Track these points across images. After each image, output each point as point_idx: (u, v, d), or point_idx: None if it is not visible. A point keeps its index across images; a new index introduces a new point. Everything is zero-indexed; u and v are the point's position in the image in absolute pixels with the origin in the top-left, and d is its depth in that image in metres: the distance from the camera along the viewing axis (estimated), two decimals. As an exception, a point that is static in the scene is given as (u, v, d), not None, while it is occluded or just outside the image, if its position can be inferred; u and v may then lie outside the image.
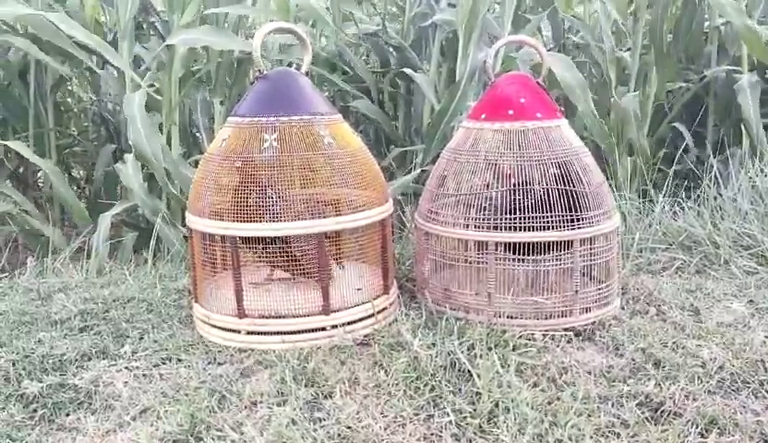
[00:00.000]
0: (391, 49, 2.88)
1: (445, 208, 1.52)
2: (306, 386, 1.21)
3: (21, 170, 2.75)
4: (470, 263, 1.48)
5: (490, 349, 1.32)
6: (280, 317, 1.40)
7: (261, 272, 1.53)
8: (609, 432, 1.07)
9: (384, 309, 1.48)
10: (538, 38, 2.98)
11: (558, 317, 1.45)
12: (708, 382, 1.21)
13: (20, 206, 2.29)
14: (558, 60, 2.28)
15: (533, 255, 1.43)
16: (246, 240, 1.40)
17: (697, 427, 1.08)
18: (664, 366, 1.26)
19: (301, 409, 1.14)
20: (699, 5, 2.62)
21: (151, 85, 2.33)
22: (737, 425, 1.08)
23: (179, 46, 2.19)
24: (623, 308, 1.56)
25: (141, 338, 1.45)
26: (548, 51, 2.64)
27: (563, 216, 1.42)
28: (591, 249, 1.45)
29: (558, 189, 1.44)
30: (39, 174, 2.86)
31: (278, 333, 1.39)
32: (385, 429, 1.08)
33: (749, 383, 1.22)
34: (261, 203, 1.36)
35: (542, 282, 1.45)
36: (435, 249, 1.53)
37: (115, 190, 2.76)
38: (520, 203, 1.43)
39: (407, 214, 2.23)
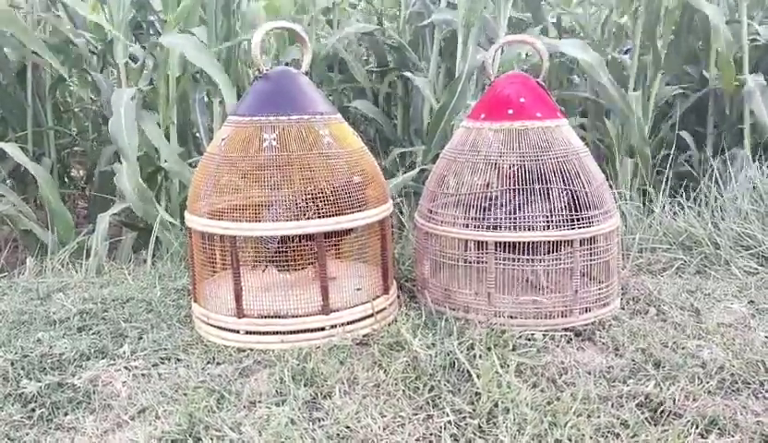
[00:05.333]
0: (389, 48, 2.87)
1: (445, 207, 1.52)
2: (305, 386, 1.21)
3: (22, 169, 2.74)
4: (470, 263, 1.47)
5: (490, 349, 1.31)
6: (279, 317, 1.40)
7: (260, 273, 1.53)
8: (609, 432, 1.06)
9: (383, 309, 1.48)
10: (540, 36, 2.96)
11: (558, 317, 1.44)
12: (708, 383, 1.21)
13: (18, 207, 2.28)
14: (572, 44, 2.33)
15: (533, 255, 1.43)
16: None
17: (697, 428, 1.07)
18: (664, 367, 1.26)
19: (300, 409, 1.14)
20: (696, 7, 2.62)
21: (149, 83, 2.32)
22: (737, 425, 1.08)
23: (169, 47, 2.18)
24: (623, 308, 1.56)
25: (140, 337, 1.45)
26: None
27: (563, 216, 1.42)
28: (591, 249, 1.45)
29: (557, 189, 1.44)
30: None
31: (277, 333, 1.39)
32: (384, 429, 1.08)
33: (749, 383, 1.21)
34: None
35: (542, 282, 1.45)
36: (435, 249, 1.53)
37: (115, 190, 2.76)
38: (520, 203, 1.43)
39: (407, 214, 2.23)
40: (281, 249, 1.41)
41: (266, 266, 1.47)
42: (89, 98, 3.20)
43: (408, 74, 2.57)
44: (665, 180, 2.31)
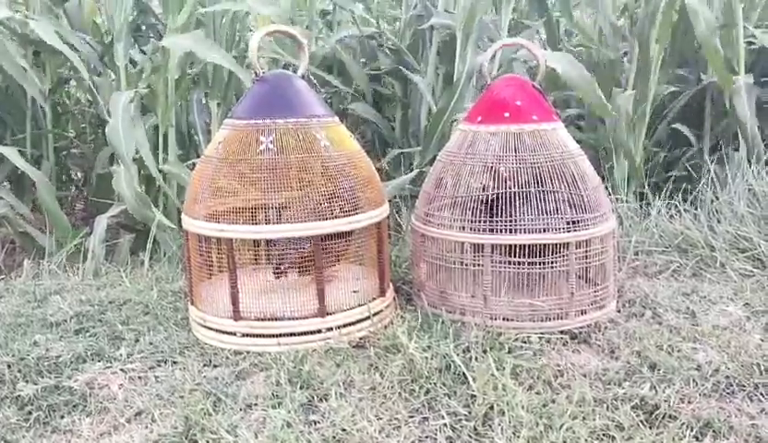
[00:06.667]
0: (388, 51, 2.88)
1: (441, 210, 1.52)
2: (301, 388, 1.21)
3: (20, 171, 2.74)
4: (466, 265, 1.48)
5: (485, 351, 1.32)
6: (275, 320, 1.40)
7: (258, 273, 1.53)
8: (604, 435, 1.07)
9: (380, 312, 1.48)
10: (536, 41, 2.97)
11: (554, 319, 1.45)
12: (703, 385, 1.21)
13: (16, 210, 2.28)
14: (560, 59, 2.20)
15: (529, 257, 1.43)
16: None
17: (692, 430, 1.08)
18: (659, 369, 1.26)
19: (296, 411, 1.14)
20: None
21: (148, 86, 2.32)
22: (731, 428, 1.09)
23: (174, 50, 2.18)
24: (619, 311, 1.56)
25: (137, 340, 1.45)
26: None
27: (559, 218, 1.43)
28: (587, 252, 1.46)
29: (553, 192, 1.44)
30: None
31: (273, 336, 1.39)
32: (380, 432, 1.08)
33: (744, 386, 1.22)
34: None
35: (538, 285, 1.45)
36: (431, 252, 1.53)
37: (113, 192, 2.76)
38: (516, 206, 1.43)
39: (404, 217, 2.23)
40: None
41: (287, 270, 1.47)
42: (86, 100, 3.20)
43: (407, 72, 2.56)
44: (662, 182, 2.31)
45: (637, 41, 2.55)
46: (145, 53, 2.63)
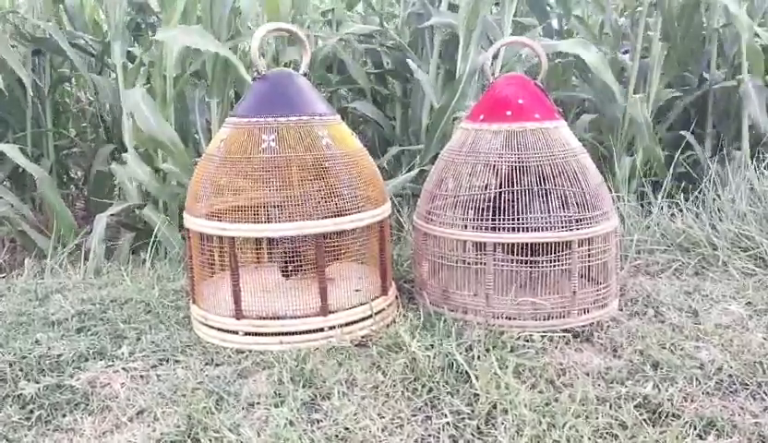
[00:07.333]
0: (388, 50, 2.87)
1: (443, 209, 1.52)
2: (303, 387, 1.21)
3: (20, 171, 2.74)
4: (468, 264, 1.47)
5: (488, 350, 1.32)
6: (277, 319, 1.40)
7: (260, 272, 1.53)
8: (607, 433, 1.07)
9: (382, 310, 1.48)
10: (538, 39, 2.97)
11: (557, 318, 1.45)
12: (706, 384, 1.21)
13: (16, 209, 2.28)
14: (576, 43, 2.36)
15: (531, 256, 1.43)
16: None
17: (695, 429, 1.07)
18: (662, 368, 1.26)
19: (298, 410, 1.14)
20: (697, 8, 2.62)
21: (147, 83, 2.32)
22: (735, 426, 1.08)
23: (170, 44, 2.17)
24: (621, 310, 1.56)
25: (139, 339, 1.45)
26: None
27: (561, 217, 1.42)
28: (589, 250, 1.45)
29: (556, 190, 1.44)
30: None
31: (276, 334, 1.39)
32: (383, 430, 1.08)
33: (747, 385, 1.22)
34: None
35: (540, 283, 1.45)
36: (433, 250, 1.53)
37: (113, 191, 2.76)
38: (518, 204, 1.43)
39: (405, 215, 2.23)
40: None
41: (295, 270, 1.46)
42: (87, 98, 3.20)
43: (412, 66, 2.55)
44: (668, 181, 2.31)
45: (641, 40, 2.55)
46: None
